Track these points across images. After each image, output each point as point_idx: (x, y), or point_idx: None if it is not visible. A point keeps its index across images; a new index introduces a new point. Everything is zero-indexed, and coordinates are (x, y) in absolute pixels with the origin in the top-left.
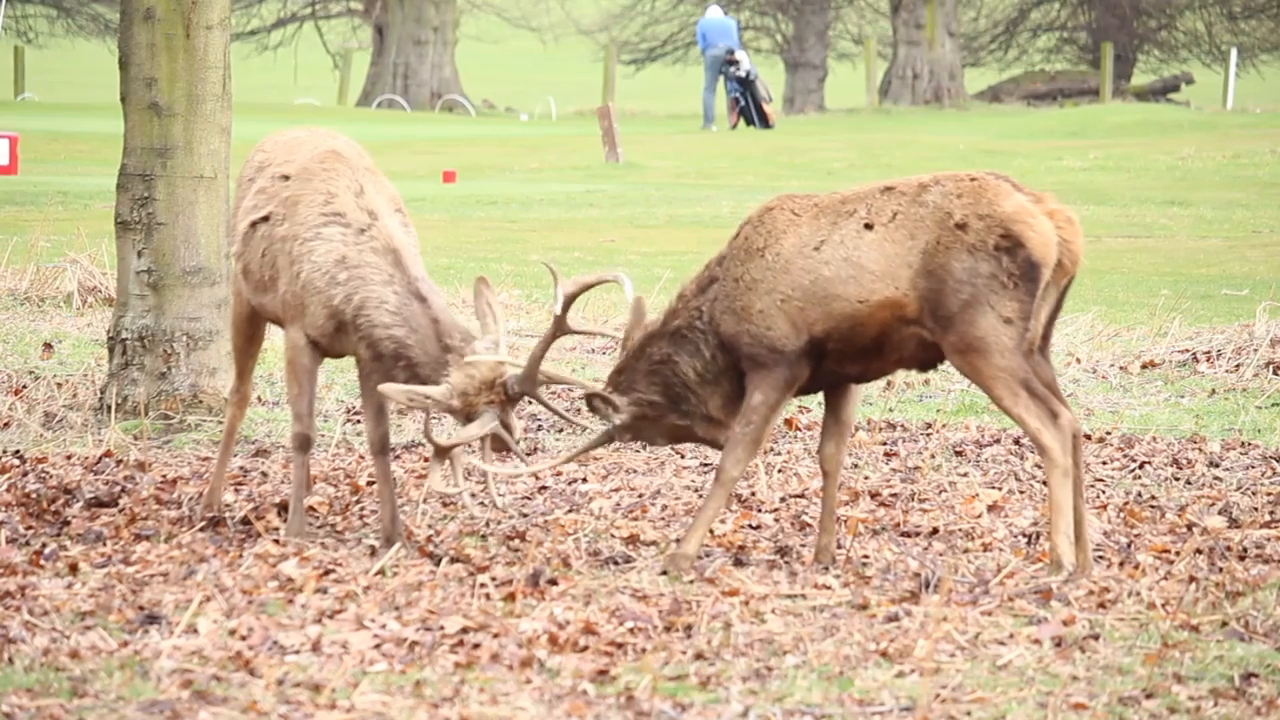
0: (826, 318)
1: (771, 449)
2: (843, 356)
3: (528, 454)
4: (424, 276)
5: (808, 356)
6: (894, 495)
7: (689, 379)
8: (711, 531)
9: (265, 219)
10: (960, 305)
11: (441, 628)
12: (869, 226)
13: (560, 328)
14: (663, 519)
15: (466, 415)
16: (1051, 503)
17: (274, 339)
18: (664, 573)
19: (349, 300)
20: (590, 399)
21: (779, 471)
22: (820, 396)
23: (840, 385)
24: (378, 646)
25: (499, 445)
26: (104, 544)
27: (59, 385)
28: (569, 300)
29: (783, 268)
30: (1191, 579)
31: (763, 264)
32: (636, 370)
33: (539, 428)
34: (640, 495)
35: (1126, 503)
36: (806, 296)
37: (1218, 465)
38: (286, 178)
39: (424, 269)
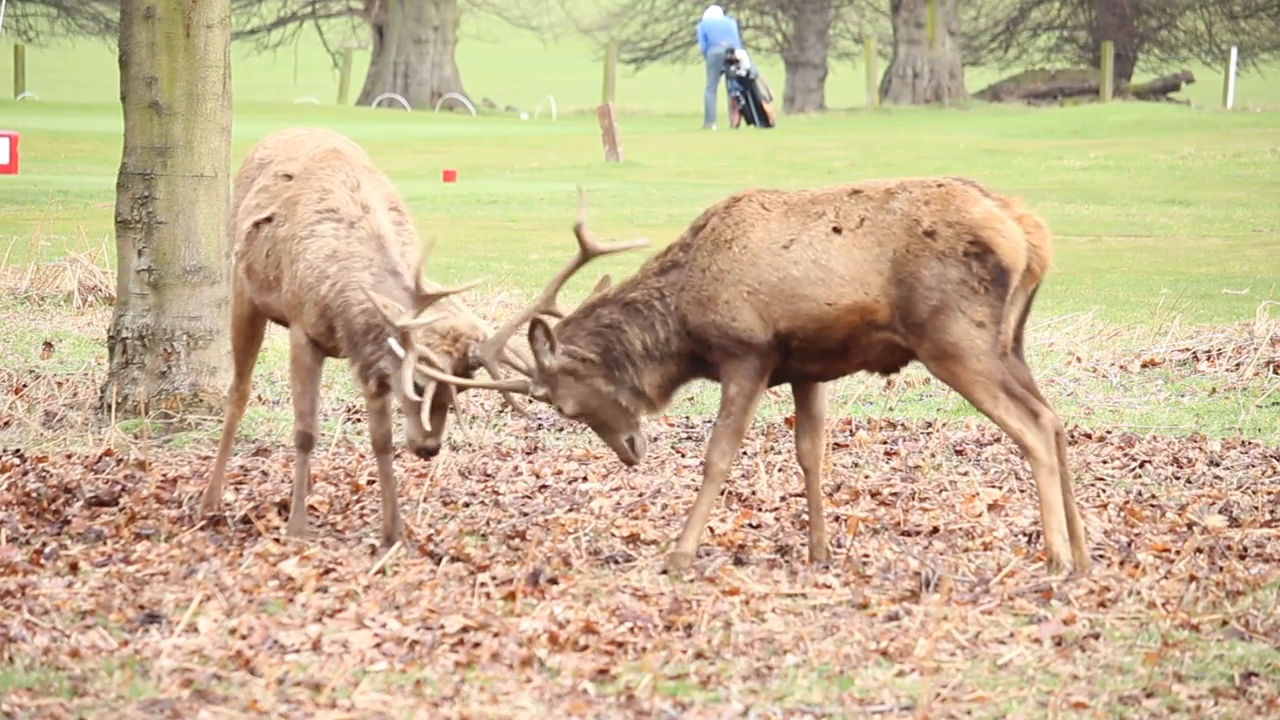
0: (792, 316)
1: (771, 448)
2: (805, 355)
3: (528, 453)
4: (401, 259)
5: (775, 348)
6: (894, 494)
7: (633, 350)
8: (712, 530)
9: (269, 219)
10: (930, 311)
11: (442, 627)
12: (837, 230)
13: (548, 307)
14: (663, 518)
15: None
16: (1042, 502)
17: (274, 338)
18: (664, 572)
19: (333, 288)
20: (533, 326)
21: (779, 470)
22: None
23: (804, 382)
24: (378, 645)
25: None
26: (104, 543)
27: (59, 384)
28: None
29: (750, 260)
30: (1192, 578)
31: (729, 255)
32: (582, 326)
33: (539, 426)
34: (640, 494)
35: (1127, 502)
36: (773, 293)
37: (1218, 464)
38: (289, 177)
39: (409, 258)
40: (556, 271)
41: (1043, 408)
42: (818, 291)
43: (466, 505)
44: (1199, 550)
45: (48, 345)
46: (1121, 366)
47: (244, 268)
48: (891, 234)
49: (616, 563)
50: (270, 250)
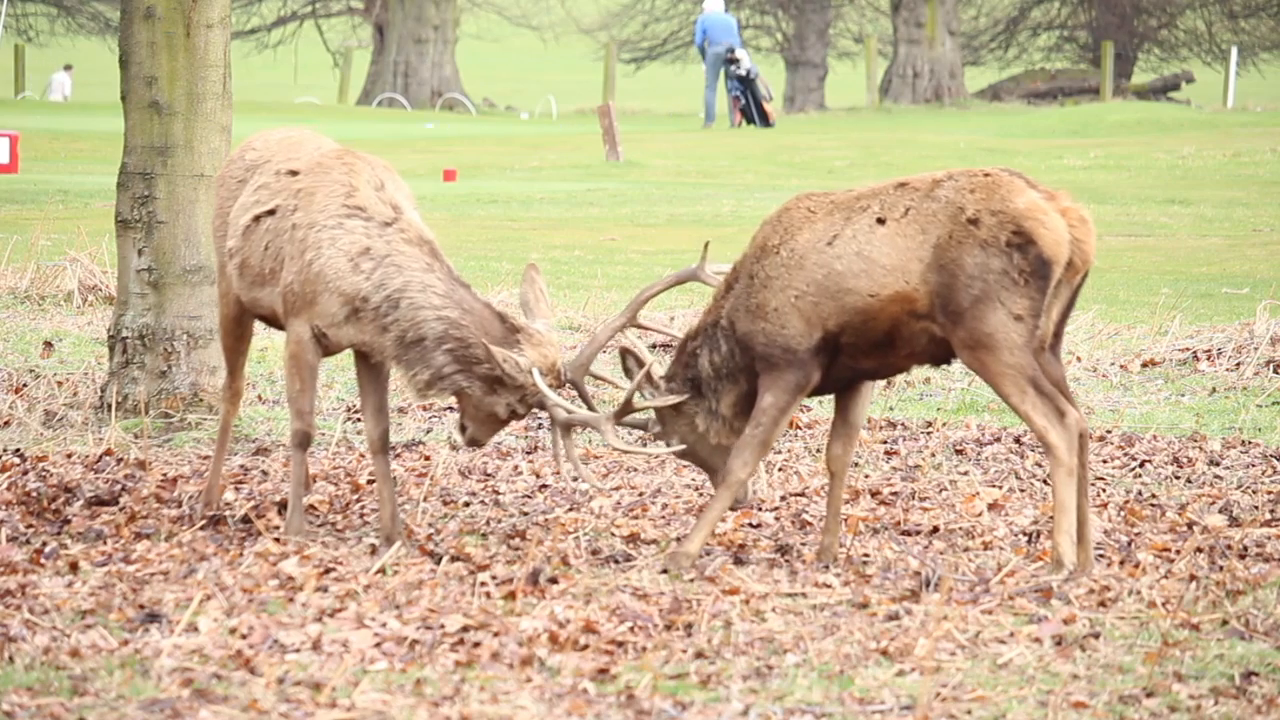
0: (839, 312)
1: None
2: (856, 351)
3: (528, 452)
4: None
5: (820, 356)
6: (894, 494)
7: (706, 372)
8: (712, 530)
9: (270, 212)
10: (971, 301)
11: (442, 626)
12: (881, 221)
13: (631, 321)
14: (663, 517)
15: (515, 393)
16: (1056, 502)
17: (275, 337)
18: (664, 571)
19: (381, 288)
20: (631, 361)
21: (779, 470)
22: (826, 397)
23: (852, 386)
24: (378, 645)
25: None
26: (104, 542)
27: (59, 384)
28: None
29: (797, 264)
30: (1192, 577)
31: (777, 261)
32: (678, 361)
33: (539, 425)
34: (641, 494)
35: (1127, 501)
36: (819, 291)
37: (1218, 464)
38: (294, 173)
39: None
40: (645, 288)
41: (1069, 407)
42: (860, 283)
43: (466, 505)
44: (1199, 550)
45: (48, 345)
46: (1121, 366)
47: (237, 263)
48: (935, 221)
49: (616, 562)
50: (271, 242)
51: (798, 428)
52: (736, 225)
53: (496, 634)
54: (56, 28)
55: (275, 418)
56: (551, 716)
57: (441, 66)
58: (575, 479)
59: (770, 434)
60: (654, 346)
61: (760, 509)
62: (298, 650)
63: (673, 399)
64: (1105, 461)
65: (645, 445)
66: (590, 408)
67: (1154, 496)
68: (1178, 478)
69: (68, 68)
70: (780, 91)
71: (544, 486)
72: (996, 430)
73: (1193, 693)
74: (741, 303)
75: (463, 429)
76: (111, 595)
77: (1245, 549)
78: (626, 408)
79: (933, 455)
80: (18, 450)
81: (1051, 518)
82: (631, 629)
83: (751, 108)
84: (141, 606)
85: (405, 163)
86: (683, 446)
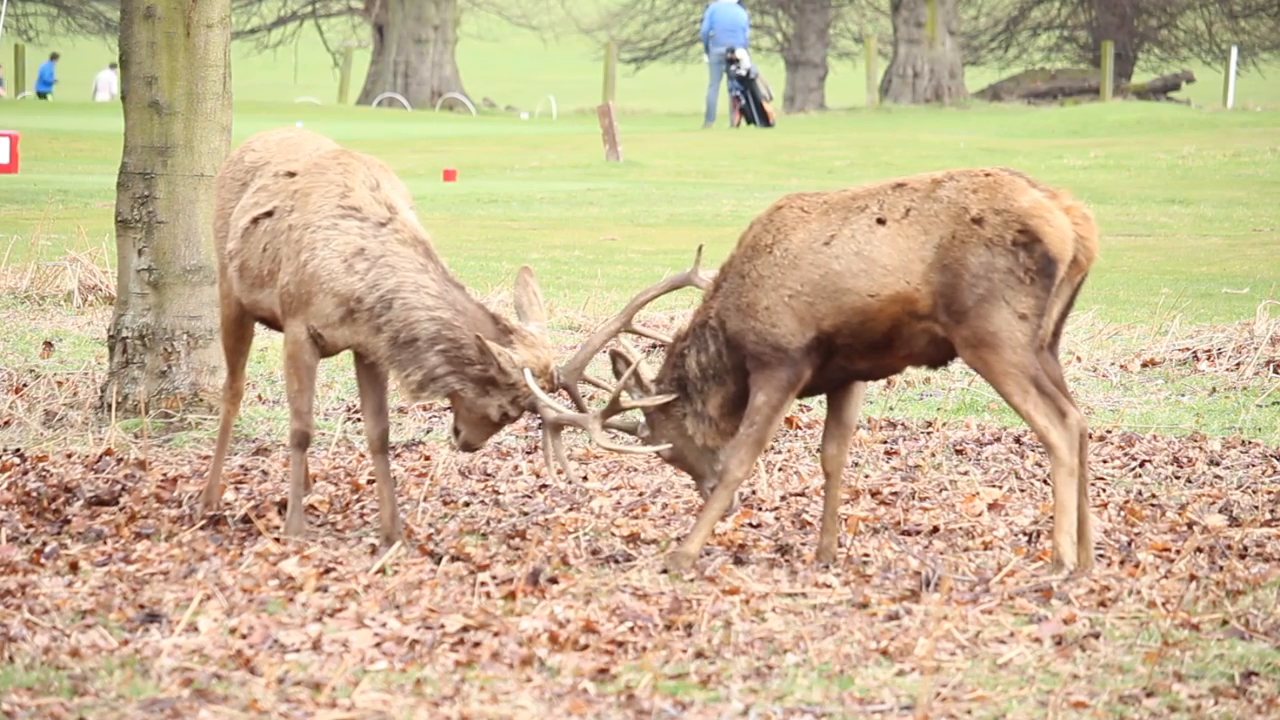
0: (836, 312)
1: (772, 448)
2: (852, 352)
3: (528, 452)
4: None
5: (812, 355)
6: (894, 494)
7: (693, 373)
8: (712, 530)
9: (268, 214)
10: (975, 300)
11: (442, 626)
12: (881, 221)
13: (626, 326)
14: (663, 517)
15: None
16: (1056, 501)
17: (275, 338)
18: (664, 571)
19: (374, 288)
20: (617, 360)
21: (779, 470)
22: (821, 397)
23: (844, 386)
24: (378, 645)
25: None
26: (104, 542)
27: (59, 384)
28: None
29: (791, 263)
30: (1192, 577)
31: (770, 260)
32: (668, 363)
33: (539, 425)
34: (641, 494)
35: (1127, 501)
36: (816, 291)
37: (1218, 464)
38: (292, 174)
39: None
40: (640, 293)
41: (1070, 407)
42: (860, 283)
43: (466, 504)
44: (1199, 549)
45: (48, 345)
46: (1122, 366)
47: (237, 265)
48: (938, 221)
49: (616, 562)
50: (269, 244)
51: (797, 427)
52: (736, 225)
53: (496, 634)
54: (56, 28)
55: (275, 418)
56: (551, 716)
57: (441, 66)
58: (569, 482)
59: (764, 432)
60: (652, 348)
61: (760, 509)
62: (298, 650)
63: (659, 399)
64: (1105, 461)
65: (636, 445)
66: (582, 410)
67: (1154, 496)
68: (1178, 478)
69: (113, 66)
70: (780, 91)
71: (544, 486)
72: (996, 430)
73: (1193, 693)
74: (731, 302)
75: (456, 432)
76: (111, 595)
77: (1245, 549)
78: (613, 407)
79: (933, 455)
80: (18, 450)
81: (1051, 518)
82: (631, 629)
83: (751, 108)
84: (141, 606)
85: (405, 163)
86: (669, 446)
